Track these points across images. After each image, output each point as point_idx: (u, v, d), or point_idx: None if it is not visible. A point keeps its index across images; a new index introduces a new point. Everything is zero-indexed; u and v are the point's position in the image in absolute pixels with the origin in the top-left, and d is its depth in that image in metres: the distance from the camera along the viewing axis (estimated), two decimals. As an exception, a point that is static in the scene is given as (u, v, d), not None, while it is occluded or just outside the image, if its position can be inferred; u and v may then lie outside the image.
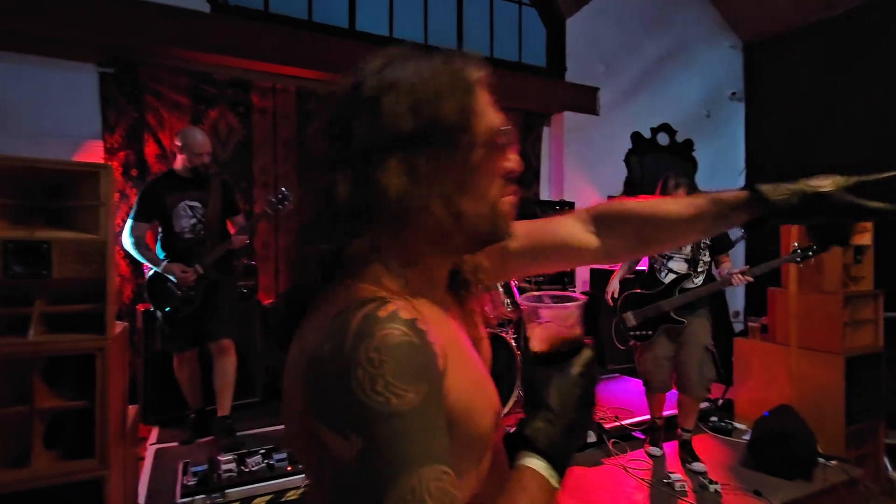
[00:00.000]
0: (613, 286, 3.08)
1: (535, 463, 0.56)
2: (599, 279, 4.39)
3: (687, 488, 2.55)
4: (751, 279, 2.69)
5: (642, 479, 2.69)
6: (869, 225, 3.09)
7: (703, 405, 3.40)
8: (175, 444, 2.89)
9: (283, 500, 2.32)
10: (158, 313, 2.86)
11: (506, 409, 2.98)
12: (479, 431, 0.57)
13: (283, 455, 2.48)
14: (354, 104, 0.57)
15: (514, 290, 3.46)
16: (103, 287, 1.74)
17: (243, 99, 3.90)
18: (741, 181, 5.89)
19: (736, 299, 5.67)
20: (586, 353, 0.64)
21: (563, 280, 4.37)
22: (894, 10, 4.57)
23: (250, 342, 3.46)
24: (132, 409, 2.25)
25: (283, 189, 2.99)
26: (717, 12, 5.83)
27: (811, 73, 5.24)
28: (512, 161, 0.62)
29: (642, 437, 3.19)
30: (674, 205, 0.83)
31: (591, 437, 3.03)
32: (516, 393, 3.10)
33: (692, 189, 2.85)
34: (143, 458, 2.68)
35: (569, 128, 5.05)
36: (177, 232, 2.84)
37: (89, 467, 1.68)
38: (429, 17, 4.66)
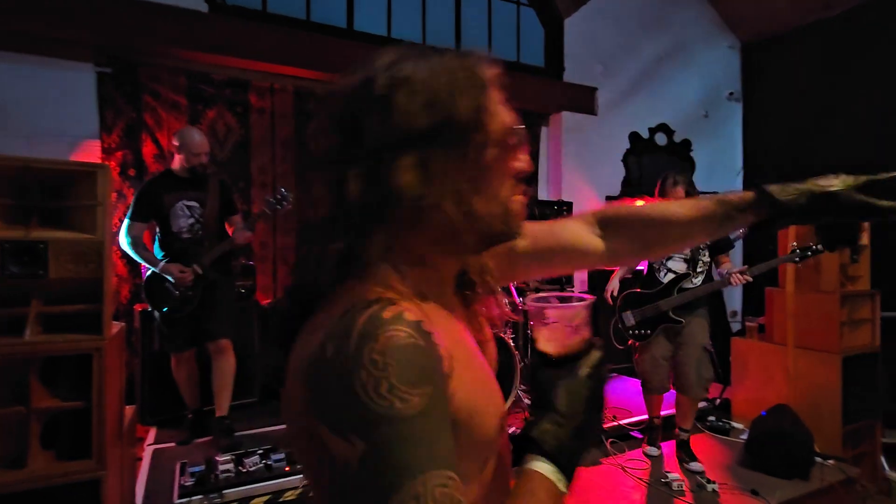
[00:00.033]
0: (613, 285, 3.09)
1: (543, 466, 0.55)
2: (598, 280, 4.39)
3: (685, 488, 2.55)
4: (750, 279, 2.69)
5: (640, 479, 2.69)
6: (866, 224, 3.09)
7: (701, 405, 3.40)
8: (173, 444, 2.88)
9: (280, 500, 2.32)
10: (156, 313, 2.85)
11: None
12: (485, 434, 0.56)
13: (281, 455, 2.47)
14: (365, 101, 0.55)
15: (513, 291, 3.46)
16: (100, 287, 1.73)
17: (241, 99, 3.89)
18: (739, 181, 5.90)
19: (733, 299, 5.67)
20: (595, 354, 0.63)
21: (562, 280, 4.37)
22: (893, 10, 4.58)
23: (248, 342, 3.46)
24: (129, 410, 2.24)
25: (282, 189, 2.98)
26: (716, 12, 5.83)
27: (809, 73, 5.25)
28: (523, 161, 0.61)
29: (640, 436, 3.20)
30: (679, 207, 0.81)
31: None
32: (514, 394, 3.10)
33: (691, 188, 2.85)
34: (140, 459, 2.68)
35: (567, 128, 5.05)
36: (174, 232, 2.84)
37: (86, 468, 1.67)
38: (427, 17, 4.66)
